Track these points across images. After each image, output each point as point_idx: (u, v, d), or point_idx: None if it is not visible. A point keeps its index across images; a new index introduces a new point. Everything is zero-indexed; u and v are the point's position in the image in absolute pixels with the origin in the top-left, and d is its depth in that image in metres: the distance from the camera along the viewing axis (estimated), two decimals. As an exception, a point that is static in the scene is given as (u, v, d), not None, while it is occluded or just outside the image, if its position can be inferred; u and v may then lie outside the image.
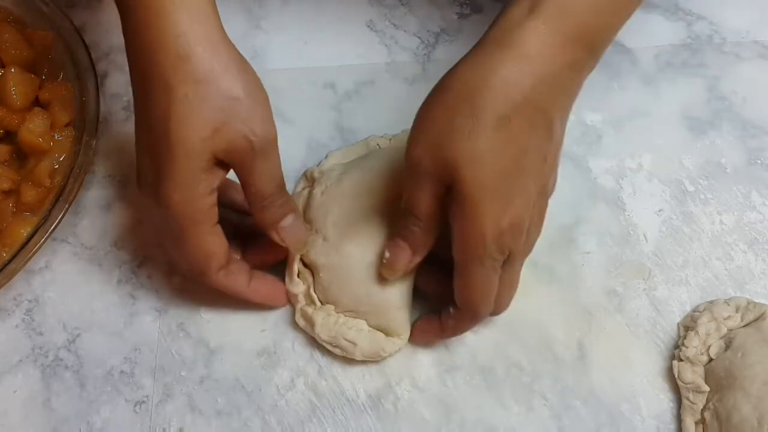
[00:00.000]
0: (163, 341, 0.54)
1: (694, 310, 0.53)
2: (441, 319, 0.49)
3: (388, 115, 0.61)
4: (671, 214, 0.57)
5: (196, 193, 0.45)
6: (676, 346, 0.52)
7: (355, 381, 0.52)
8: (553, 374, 0.52)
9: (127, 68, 0.63)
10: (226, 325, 0.54)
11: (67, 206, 0.54)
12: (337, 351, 0.52)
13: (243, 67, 0.46)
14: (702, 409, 0.49)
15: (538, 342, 0.53)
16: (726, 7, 0.66)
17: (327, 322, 0.51)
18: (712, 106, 0.62)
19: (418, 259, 0.48)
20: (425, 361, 0.53)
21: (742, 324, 0.51)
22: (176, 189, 0.45)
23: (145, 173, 0.47)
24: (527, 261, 0.55)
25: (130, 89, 0.62)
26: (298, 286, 0.53)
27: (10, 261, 0.52)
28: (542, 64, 0.42)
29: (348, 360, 0.52)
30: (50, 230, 0.53)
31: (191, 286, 0.55)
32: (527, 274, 0.54)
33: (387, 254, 0.49)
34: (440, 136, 0.43)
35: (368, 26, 0.66)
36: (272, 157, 0.47)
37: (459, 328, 0.50)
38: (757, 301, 0.53)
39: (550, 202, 0.57)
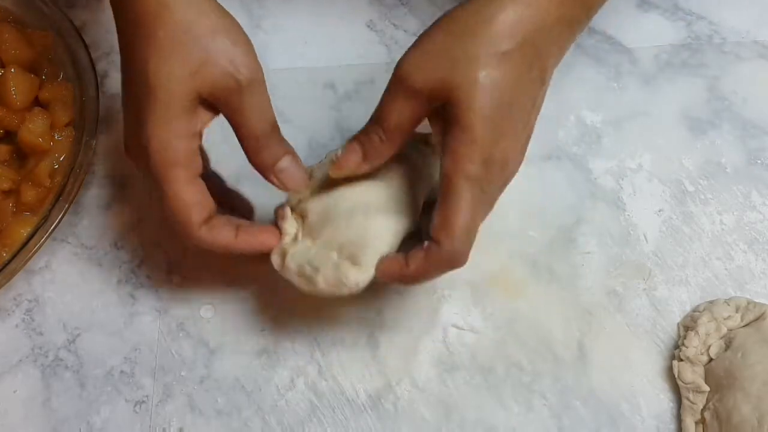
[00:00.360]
0: (163, 341, 0.54)
1: (694, 310, 0.53)
2: (407, 258, 0.45)
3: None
4: (671, 214, 0.57)
5: (174, 134, 0.44)
6: (676, 346, 0.52)
7: (355, 381, 0.52)
8: (553, 374, 0.52)
9: (127, 68, 0.64)
10: (226, 324, 0.54)
11: (67, 206, 0.54)
12: (302, 283, 0.48)
13: (223, 12, 0.46)
14: (702, 409, 0.49)
15: (538, 342, 0.53)
16: (726, 7, 0.66)
17: (298, 252, 0.48)
18: (712, 106, 0.62)
19: (366, 167, 0.47)
20: (425, 361, 0.53)
21: (742, 324, 0.51)
22: (154, 130, 0.44)
23: (129, 129, 0.46)
24: (527, 260, 0.55)
25: (130, 89, 0.64)
26: (292, 226, 0.50)
27: (10, 261, 0.52)
28: (540, 12, 0.43)
29: (348, 359, 0.52)
30: (50, 230, 0.53)
31: (191, 286, 0.55)
32: (527, 273, 0.54)
33: (339, 152, 0.47)
34: (440, 58, 0.43)
35: (368, 26, 0.66)
36: (261, 94, 0.46)
37: (426, 269, 0.45)
38: (757, 301, 0.53)
39: (550, 201, 0.57)
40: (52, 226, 0.53)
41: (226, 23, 0.46)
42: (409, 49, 0.45)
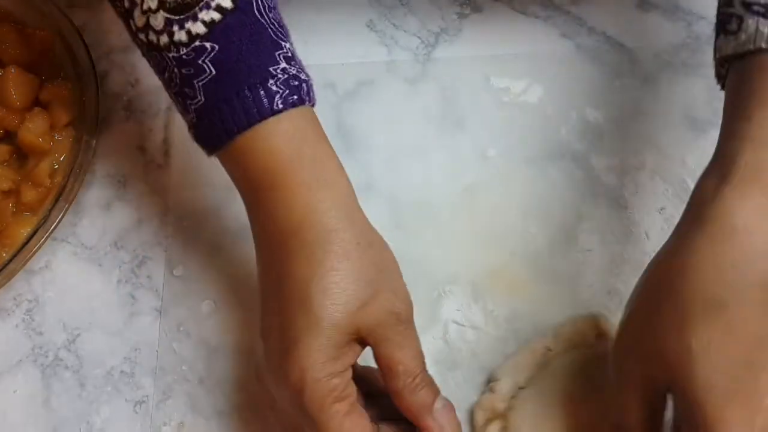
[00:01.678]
0: (163, 341, 0.54)
1: None
2: None
3: (389, 115, 0.61)
4: (673, 212, 0.57)
5: (333, 369, 0.40)
6: None
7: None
8: (554, 373, 0.52)
9: (127, 69, 0.64)
10: (226, 324, 0.54)
11: (67, 206, 0.54)
12: None
13: (381, 240, 0.44)
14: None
15: (539, 340, 0.53)
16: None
17: None
18: (712, 106, 0.62)
19: None
20: (425, 356, 0.52)
21: None
22: (313, 363, 0.40)
23: (272, 355, 0.42)
24: (529, 257, 0.55)
25: (130, 89, 0.64)
26: None
27: (10, 261, 0.52)
28: (753, 234, 0.37)
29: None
30: (50, 230, 0.53)
31: (192, 286, 0.55)
32: (528, 270, 0.54)
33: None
34: (644, 332, 0.39)
35: (368, 26, 0.66)
36: (414, 332, 0.44)
37: None
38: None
39: (551, 199, 0.57)
40: (52, 226, 0.53)
41: (388, 254, 0.44)
42: (618, 331, 0.42)
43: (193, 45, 0.41)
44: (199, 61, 0.41)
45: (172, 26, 0.41)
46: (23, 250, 0.52)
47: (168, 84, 0.44)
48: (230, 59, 0.41)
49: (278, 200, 0.42)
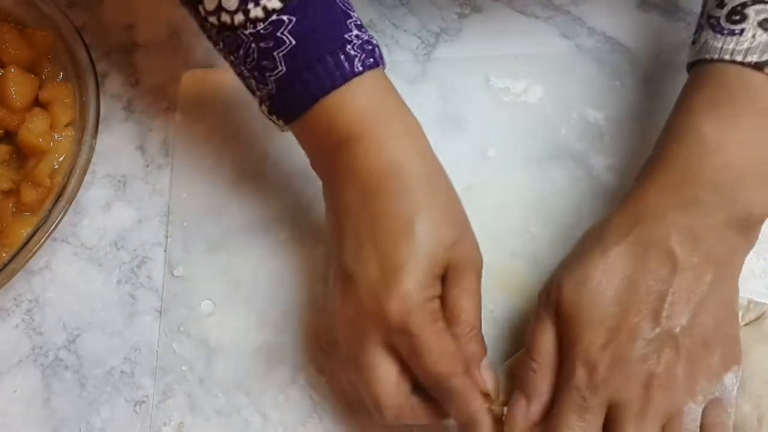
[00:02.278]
0: (163, 341, 0.54)
1: None
2: None
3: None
4: None
5: (435, 294, 0.44)
6: None
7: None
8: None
9: (127, 69, 0.64)
10: (226, 323, 0.54)
11: (67, 206, 0.54)
12: None
13: (454, 192, 0.48)
14: (703, 409, 0.49)
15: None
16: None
17: None
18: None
19: (534, 410, 0.44)
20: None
21: (743, 323, 0.51)
22: (419, 288, 0.43)
23: (368, 280, 0.44)
24: (528, 257, 0.55)
25: (129, 89, 0.64)
26: None
27: (10, 261, 0.52)
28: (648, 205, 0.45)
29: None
30: (50, 230, 0.53)
31: (191, 286, 0.55)
32: (528, 270, 0.54)
33: (506, 409, 0.45)
34: (559, 268, 0.46)
35: (368, 26, 0.66)
36: (480, 286, 0.47)
37: None
38: (758, 300, 0.52)
39: (552, 199, 0.57)
40: (52, 226, 0.53)
41: (459, 199, 0.48)
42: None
43: (270, 19, 0.44)
44: (278, 34, 0.44)
45: (246, 4, 0.43)
46: (23, 250, 0.52)
47: (243, 61, 0.46)
48: (308, 29, 0.44)
49: (371, 147, 0.45)
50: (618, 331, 0.41)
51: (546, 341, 0.44)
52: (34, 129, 0.56)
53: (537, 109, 0.61)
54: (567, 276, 0.44)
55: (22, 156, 0.58)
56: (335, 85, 0.44)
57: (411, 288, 0.42)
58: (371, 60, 0.46)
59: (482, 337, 0.46)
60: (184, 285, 0.56)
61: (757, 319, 0.51)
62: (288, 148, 0.58)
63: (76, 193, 0.55)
